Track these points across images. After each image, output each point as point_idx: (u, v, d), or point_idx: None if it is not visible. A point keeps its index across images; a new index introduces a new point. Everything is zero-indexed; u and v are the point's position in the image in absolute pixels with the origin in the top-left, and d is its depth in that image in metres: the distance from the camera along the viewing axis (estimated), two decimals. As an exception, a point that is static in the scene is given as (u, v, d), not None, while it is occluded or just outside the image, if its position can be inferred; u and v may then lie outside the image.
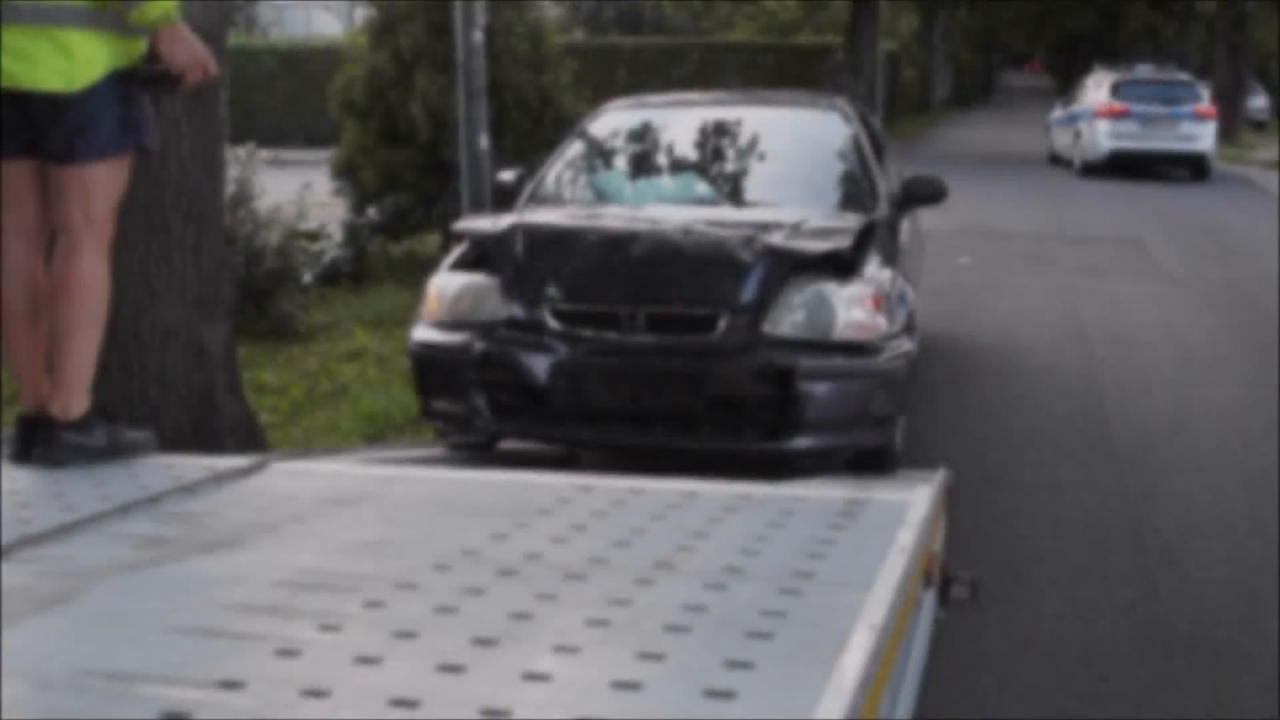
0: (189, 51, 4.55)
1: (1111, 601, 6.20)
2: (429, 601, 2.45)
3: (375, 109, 14.99)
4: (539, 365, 6.57)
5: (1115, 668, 5.52)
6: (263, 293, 11.64)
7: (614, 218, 7.95)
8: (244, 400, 7.39)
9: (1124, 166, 28.24)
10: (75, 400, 4.49)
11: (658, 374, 6.57)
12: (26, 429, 4.48)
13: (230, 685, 2.04)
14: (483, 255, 7.25)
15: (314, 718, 1.93)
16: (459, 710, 1.95)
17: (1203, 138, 28.66)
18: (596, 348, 6.60)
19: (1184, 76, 32.25)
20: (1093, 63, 36.94)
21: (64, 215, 4.51)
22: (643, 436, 6.60)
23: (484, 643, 2.23)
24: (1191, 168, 28.95)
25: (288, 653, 2.18)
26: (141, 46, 4.55)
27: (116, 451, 4.47)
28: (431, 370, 6.99)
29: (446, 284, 7.13)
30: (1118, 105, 28.99)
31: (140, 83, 4.57)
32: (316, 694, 2.01)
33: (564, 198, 8.75)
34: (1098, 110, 29.28)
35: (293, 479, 3.47)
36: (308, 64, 39.76)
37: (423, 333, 7.05)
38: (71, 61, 4.35)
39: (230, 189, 11.27)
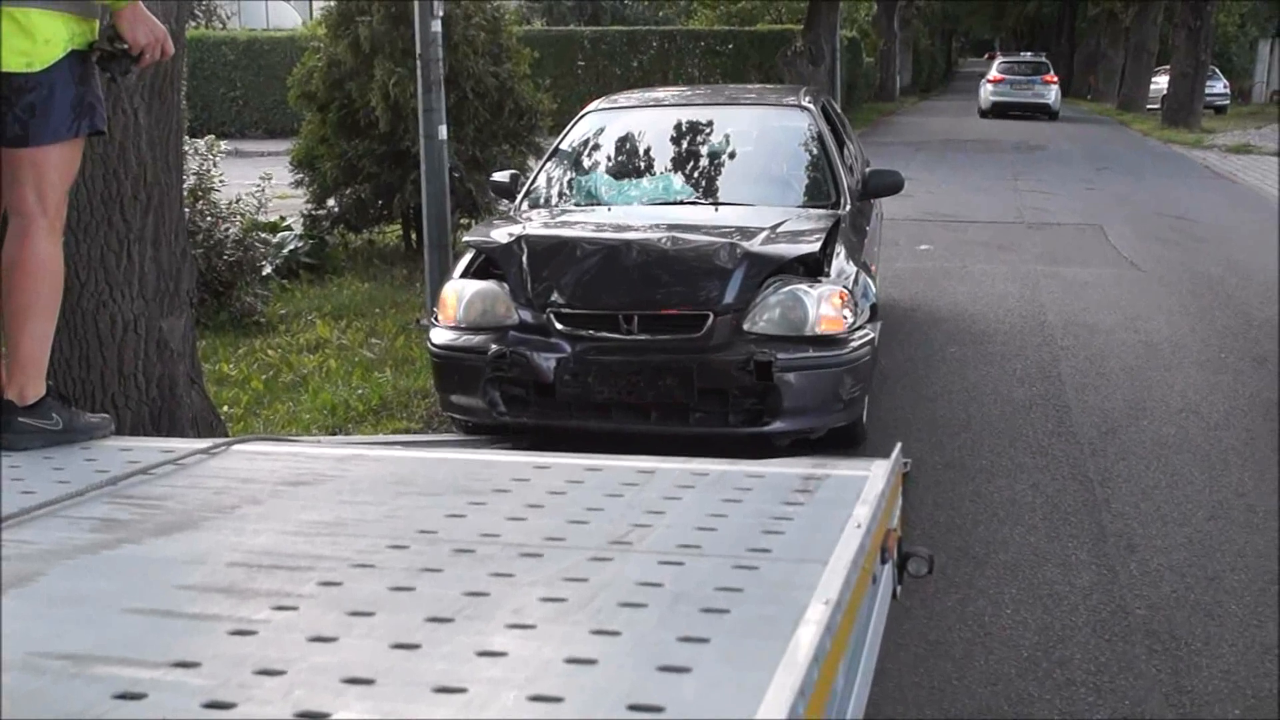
0: (149, 30, 4.56)
1: (1071, 586, 6.22)
2: (385, 580, 2.45)
3: (334, 100, 14.93)
4: (546, 363, 7.27)
5: (1074, 653, 5.54)
6: (223, 284, 11.61)
7: (605, 223, 8.63)
8: (205, 392, 7.36)
9: (1002, 111, 47.73)
10: (31, 384, 4.50)
11: (652, 368, 7.20)
12: None
13: (185, 665, 2.04)
14: (490, 264, 7.90)
15: (268, 697, 1.92)
16: (413, 688, 1.95)
17: (1048, 95, 48.28)
18: (597, 346, 7.29)
19: (1042, 59, 52.49)
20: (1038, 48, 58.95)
21: (17, 199, 4.49)
22: (639, 424, 7.23)
23: (439, 621, 2.23)
24: (1044, 113, 47.63)
25: (243, 633, 2.18)
26: (95, 27, 4.56)
27: (73, 435, 4.49)
28: (450, 369, 7.68)
29: (460, 291, 7.79)
30: (999, 75, 49.68)
31: (99, 61, 4.57)
32: (271, 673, 2.00)
33: (555, 199, 9.52)
34: (988, 79, 50.29)
35: (250, 461, 3.46)
36: (267, 55, 39.64)
37: (440, 335, 7.74)
38: (33, 42, 4.31)
39: (190, 181, 11.23)
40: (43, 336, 4.59)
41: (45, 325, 4.60)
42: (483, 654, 2.08)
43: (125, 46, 4.57)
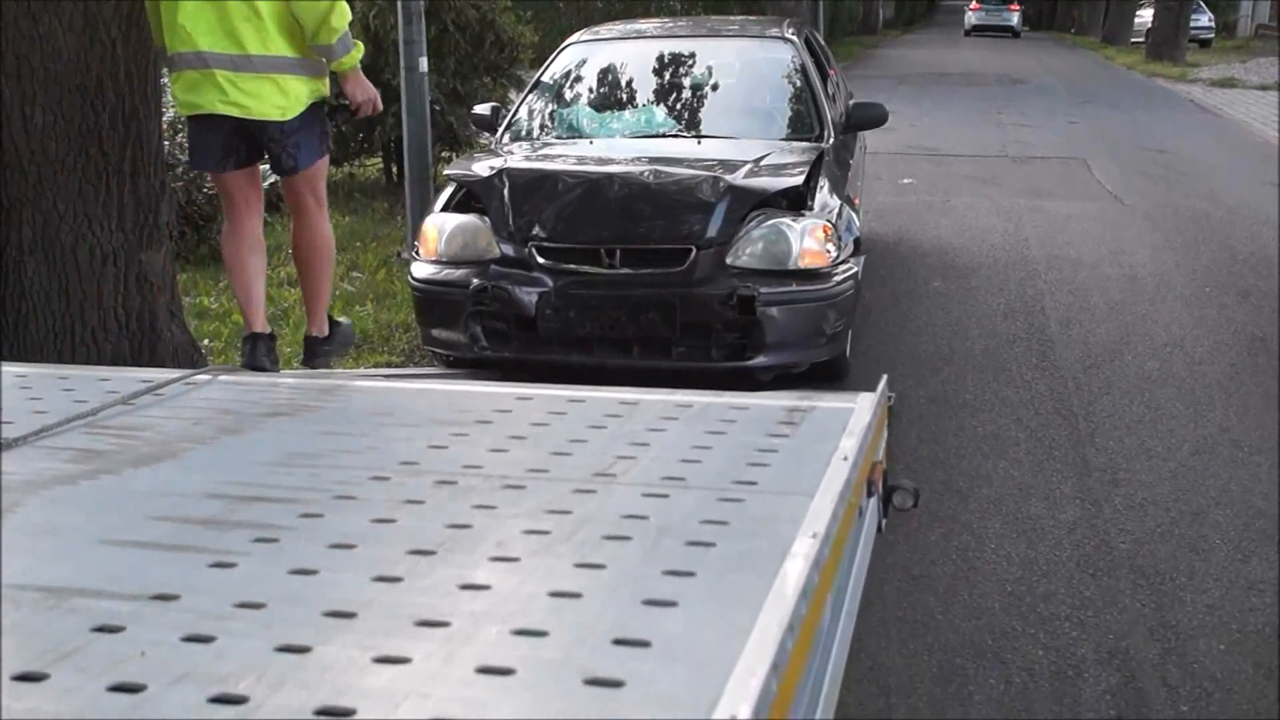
0: (365, 91, 6.51)
1: (1055, 521, 6.23)
2: (366, 513, 2.42)
3: (315, 32, 14.83)
4: (528, 297, 7.28)
5: (1058, 587, 5.55)
6: (203, 218, 11.53)
7: (587, 156, 8.58)
8: (185, 325, 7.35)
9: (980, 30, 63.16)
10: (322, 322, 6.93)
11: (634, 303, 7.21)
12: (253, 343, 6.38)
13: (164, 597, 2.01)
14: (471, 197, 7.92)
15: (248, 630, 1.90)
16: (396, 621, 1.93)
17: (1012, 19, 63.65)
18: (579, 280, 7.29)
19: None
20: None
21: (302, 203, 6.55)
22: (621, 358, 7.27)
23: (421, 553, 2.20)
24: (1009, 32, 62.87)
25: (223, 565, 2.15)
26: (326, 82, 6.36)
27: (342, 345, 7.33)
28: (431, 303, 7.74)
29: (441, 225, 7.83)
30: (977, 5, 65.11)
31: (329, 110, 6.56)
32: (252, 605, 1.98)
33: (537, 132, 9.49)
34: (970, 7, 65.91)
35: (229, 392, 3.43)
36: (247, -11, 39.35)
37: (422, 269, 7.79)
38: (287, 98, 6.10)
39: (169, 114, 11.15)
40: (328, 290, 7.00)
41: (328, 282, 6.97)
42: (465, 587, 2.06)
43: (346, 102, 6.56)
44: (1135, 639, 5.11)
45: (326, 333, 6.94)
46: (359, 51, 6.29)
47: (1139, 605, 5.40)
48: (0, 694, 1.67)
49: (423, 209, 9.50)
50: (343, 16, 6.14)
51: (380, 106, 6.63)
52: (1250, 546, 5.94)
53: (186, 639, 1.86)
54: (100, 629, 1.90)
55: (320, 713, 1.60)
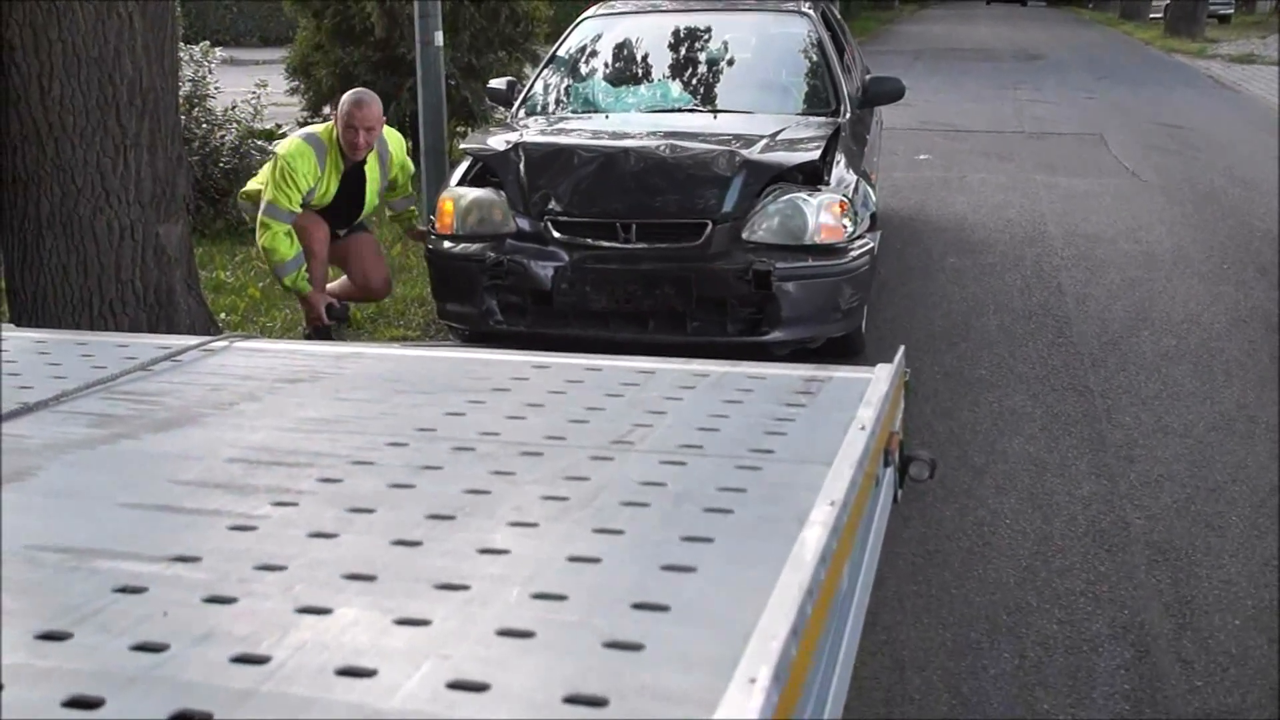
0: (309, 310, 8.32)
1: (1070, 496, 6.23)
2: (384, 477, 2.43)
3: (330, 6, 14.83)
4: (544, 271, 7.30)
5: (1073, 563, 5.55)
6: (219, 192, 11.56)
7: (603, 130, 8.56)
8: (202, 299, 7.36)
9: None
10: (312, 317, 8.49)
11: (650, 277, 7.22)
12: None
13: (185, 559, 2.02)
14: (487, 171, 7.94)
15: (269, 591, 1.91)
16: (415, 583, 1.93)
17: None
18: (595, 255, 7.30)
19: None
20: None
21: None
22: (637, 332, 7.25)
23: (440, 518, 2.21)
24: (1019, 2, 75.59)
25: (243, 528, 2.16)
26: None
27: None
28: (447, 277, 7.74)
29: (457, 199, 7.82)
30: None
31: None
32: (271, 568, 1.98)
33: (553, 106, 9.50)
34: None
35: (247, 358, 3.43)
36: (262, -38, 39.38)
37: (438, 243, 7.76)
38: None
39: (185, 88, 11.18)
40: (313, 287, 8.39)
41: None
42: (484, 551, 2.06)
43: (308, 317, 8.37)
44: (1150, 614, 5.11)
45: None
46: (296, 284, 8.14)
47: (1154, 581, 5.39)
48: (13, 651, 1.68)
49: (438, 183, 9.50)
50: (270, 248, 8.03)
51: (326, 321, 8.31)
52: (1266, 523, 5.93)
53: (208, 600, 1.87)
54: (122, 589, 1.90)
55: (341, 673, 1.61)
